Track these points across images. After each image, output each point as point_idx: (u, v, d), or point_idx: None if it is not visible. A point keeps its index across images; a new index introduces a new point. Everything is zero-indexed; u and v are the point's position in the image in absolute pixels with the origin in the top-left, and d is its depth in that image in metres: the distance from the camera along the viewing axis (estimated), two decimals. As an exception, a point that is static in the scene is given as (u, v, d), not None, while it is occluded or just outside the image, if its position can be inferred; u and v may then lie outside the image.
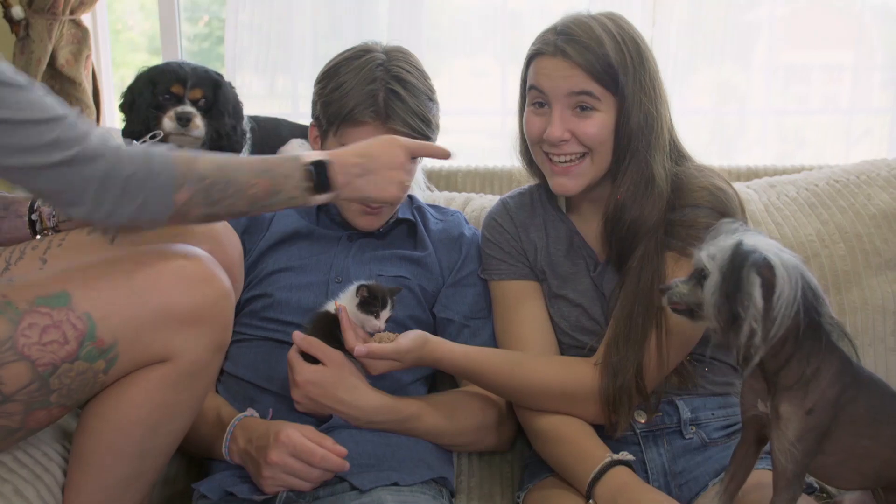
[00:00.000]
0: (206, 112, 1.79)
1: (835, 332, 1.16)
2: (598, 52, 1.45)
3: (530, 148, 1.57)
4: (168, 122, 1.76)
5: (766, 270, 1.10)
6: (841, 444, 1.18)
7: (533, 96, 1.53)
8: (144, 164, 1.18)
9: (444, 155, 1.46)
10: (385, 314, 1.46)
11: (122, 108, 1.82)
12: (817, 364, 1.15)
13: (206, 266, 1.26)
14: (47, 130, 1.11)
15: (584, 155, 1.50)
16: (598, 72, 1.45)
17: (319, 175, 1.31)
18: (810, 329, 1.14)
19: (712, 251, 1.15)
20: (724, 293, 1.11)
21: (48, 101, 1.13)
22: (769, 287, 1.10)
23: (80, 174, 1.14)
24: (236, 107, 1.84)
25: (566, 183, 1.52)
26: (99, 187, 1.15)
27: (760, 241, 1.14)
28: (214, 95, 1.80)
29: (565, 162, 1.50)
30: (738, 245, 1.13)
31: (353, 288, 1.49)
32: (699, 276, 1.17)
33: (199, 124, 1.76)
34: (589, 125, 1.47)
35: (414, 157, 1.43)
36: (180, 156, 1.23)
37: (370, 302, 1.46)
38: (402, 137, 1.42)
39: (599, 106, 1.47)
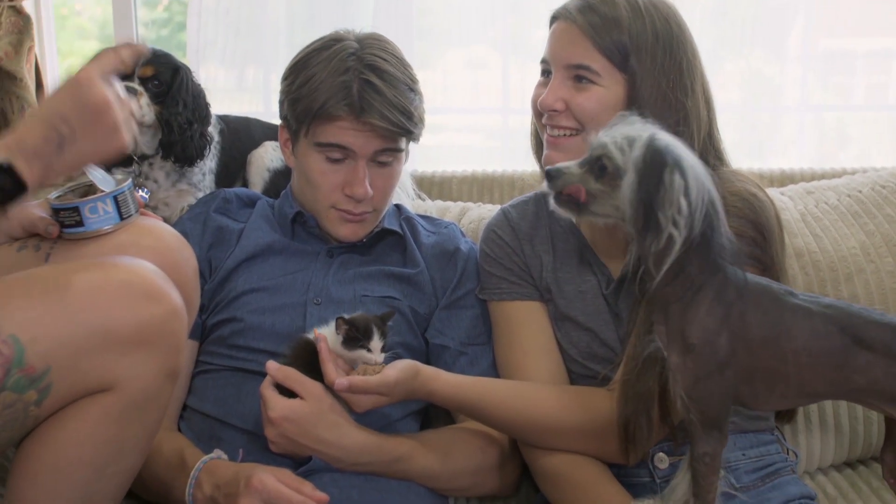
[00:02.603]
0: (158, 98, 1.79)
1: (724, 251, 1.19)
2: (608, 19, 1.50)
3: (538, 129, 1.61)
4: None
5: (682, 171, 1.13)
6: (747, 371, 1.21)
7: (542, 69, 1.60)
8: None
9: (140, 51, 1.32)
10: (377, 344, 1.47)
11: None
12: (700, 282, 1.18)
13: (154, 280, 1.26)
14: None
15: (577, 132, 1.54)
16: (604, 41, 1.50)
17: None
18: (703, 243, 1.16)
19: (619, 141, 1.17)
20: (643, 195, 1.13)
21: None
22: (687, 187, 1.13)
23: None
24: (198, 102, 1.83)
25: (552, 155, 1.56)
26: None
27: (668, 137, 1.17)
28: (171, 80, 1.79)
29: (557, 135, 1.55)
30: (653, 140, 1.15)
31: (333, 322, 1.49)
32: (595, 164, 1.19)
33: (142, 105, 1.75)
34: (585, 98, 1.52)
35: (111, 73, 1.25)
36: None
37: (354, 337, 1.46)
38: (83, 67, 1.24)
39: (600, 81, 1.51)
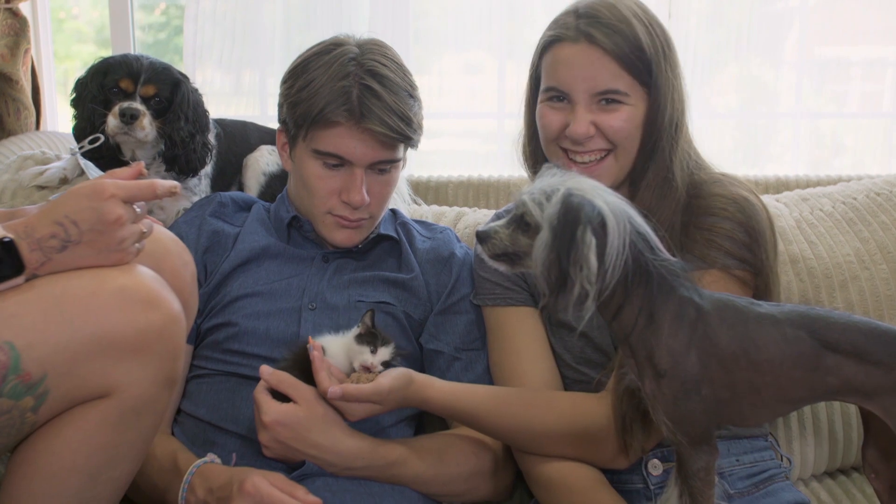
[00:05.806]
0: (160, 113, 1.79)
1: (670, 275, 1.19)
2: (628, 36, 1.47)
3: (545, 146, 1.58)
4: (112, 120, 1.75)
5: (600, 226, 1.13)
6: (726, 387, 1.21)
7: (549, 94, 1.55)
8: None
9: (172, 189, 1.31)
10: (383, 353, 1.46)
11: (72, 103, 1.83)
12: (650, 310, 1.19)
13: (151, 286, 1.25)
14: None
15: (608, 153, 1.52)
16: (630, 59, 1.47)
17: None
18: (639, 275, 1.18)
19: (536, 196, 1.17)
20: (555, 252, 1.13)
21: None
22: (601, 244, 1.13)
23: None
24: (198, 112, 1.84)
25: None
26: None
27: (586, 187, 1.16)
28: (171, 95, 1.80)
29: (588, 162, 1.53)
30: (569, 197, 1.14)
31: (366, 313, 1.49)
32: (520, 221, 1.19)
33: (145, 125, 1.76)
34: (615, 118, 1.50)
35: (129, 202, 1.24)
36: None
37: (372, 333, 1.46)
38: (110, 181, 1.24)
39: (627, 100, 1.50)
